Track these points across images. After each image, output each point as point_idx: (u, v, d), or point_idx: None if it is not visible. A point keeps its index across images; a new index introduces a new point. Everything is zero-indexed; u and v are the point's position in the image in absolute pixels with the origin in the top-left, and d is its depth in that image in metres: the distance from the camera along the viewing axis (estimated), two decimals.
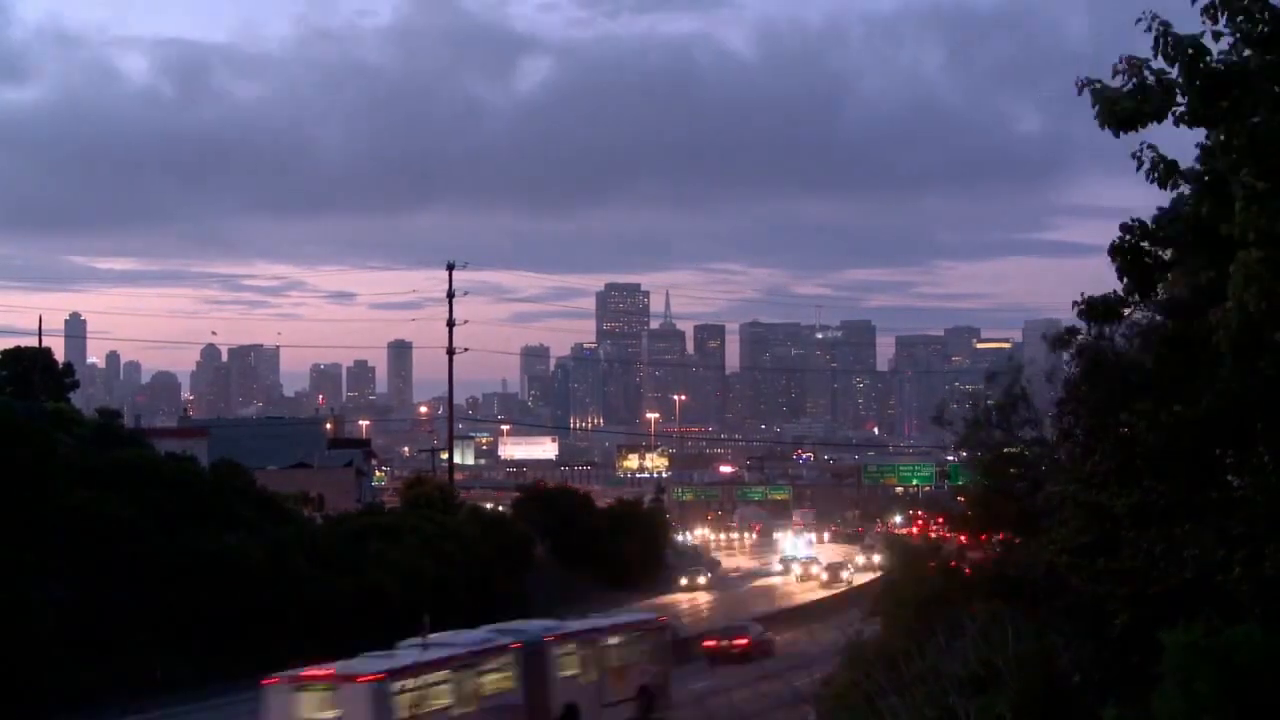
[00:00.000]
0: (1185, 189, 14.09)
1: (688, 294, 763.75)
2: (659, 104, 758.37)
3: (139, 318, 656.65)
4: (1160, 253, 14.40)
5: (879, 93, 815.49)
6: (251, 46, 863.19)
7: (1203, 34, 13.46)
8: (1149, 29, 13.41)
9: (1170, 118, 13.83)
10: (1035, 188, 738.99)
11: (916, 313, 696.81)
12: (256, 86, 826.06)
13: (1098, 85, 13.79)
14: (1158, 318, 17.06)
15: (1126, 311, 16.52)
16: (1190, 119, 13.78)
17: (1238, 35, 13.40)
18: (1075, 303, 15.36)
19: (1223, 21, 13.37)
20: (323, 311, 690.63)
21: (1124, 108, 13.40)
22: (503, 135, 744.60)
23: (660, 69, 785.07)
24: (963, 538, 35.76)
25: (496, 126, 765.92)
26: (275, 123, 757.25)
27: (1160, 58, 13.53)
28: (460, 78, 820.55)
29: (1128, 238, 14.52)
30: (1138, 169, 13.87)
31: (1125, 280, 14.67)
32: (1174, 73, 13.54)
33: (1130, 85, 13.54)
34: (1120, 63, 13.72)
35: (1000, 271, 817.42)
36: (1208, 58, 13.37)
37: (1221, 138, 13.60)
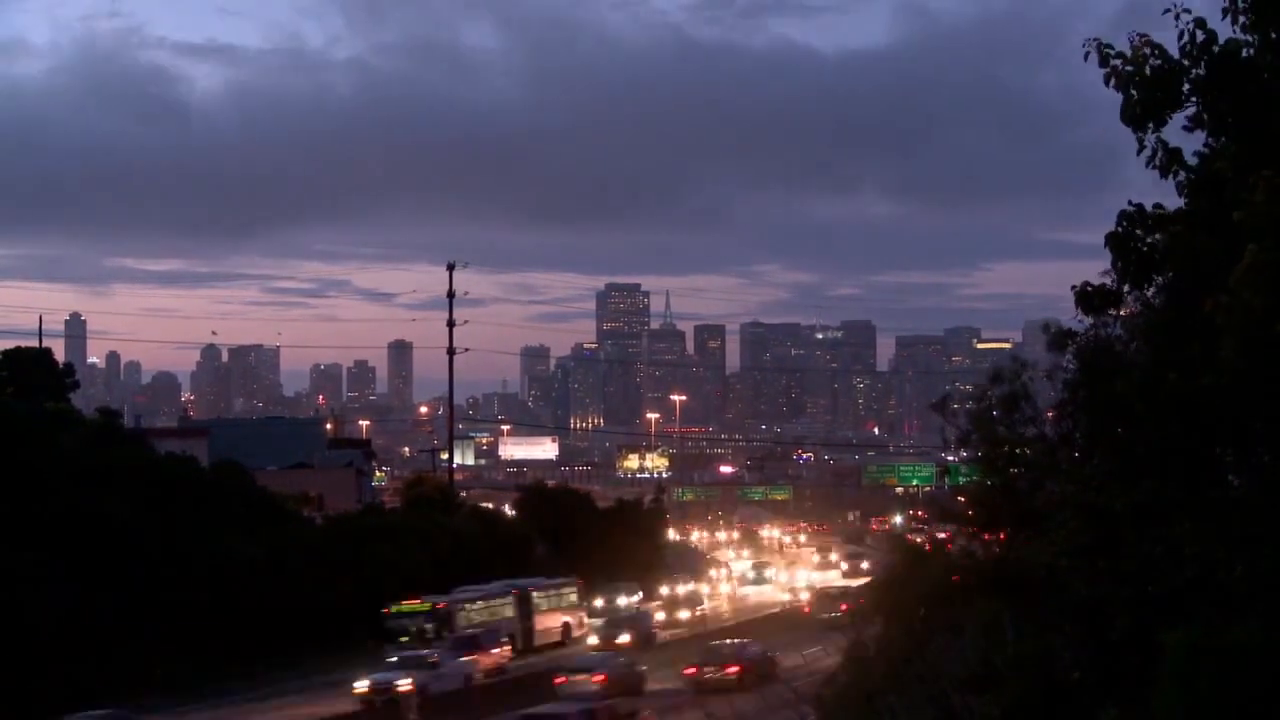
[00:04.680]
0: (1184, 177, 14.07)
1: (720, 297, 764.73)
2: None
3: (169, 320, 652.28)
4: (1157, 240, 14.36)
5: None
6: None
7: (1244, 44, 13.42)
8: (1175, 18, 13.34)
9: (1183, 118, 13.79)
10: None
11: (953, 314, 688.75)
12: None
13: (1110, 49, 13.67)
14: (1155, 303, 16.99)
15: (1123, 307, 16.47)
16: (1211, 122, 13.73)
17: (1256, 36, 13.35)
18: (1072, 287, 15.33)
19: (1240, 22, 13.31)
20: (361, 311, 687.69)
21: (1143, 98, 13.35)
22: (547, 136, 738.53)
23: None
24: (948, 534, 35.75)
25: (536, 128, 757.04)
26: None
27: (1182, 56, 13.48)
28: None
29: (1125, 225, 14.48)
30: (1138, 153, 13.86)
31: (1120, 266, 14.63)
32: (1194, 70, 13.49)
33: (1153, 65, 13.46)
34: (1138, 38, 13.64)
35: (1040, 273, 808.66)
36: (1239, 55, 13.35)
37: (1231, 141, 13.57)
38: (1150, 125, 13.68)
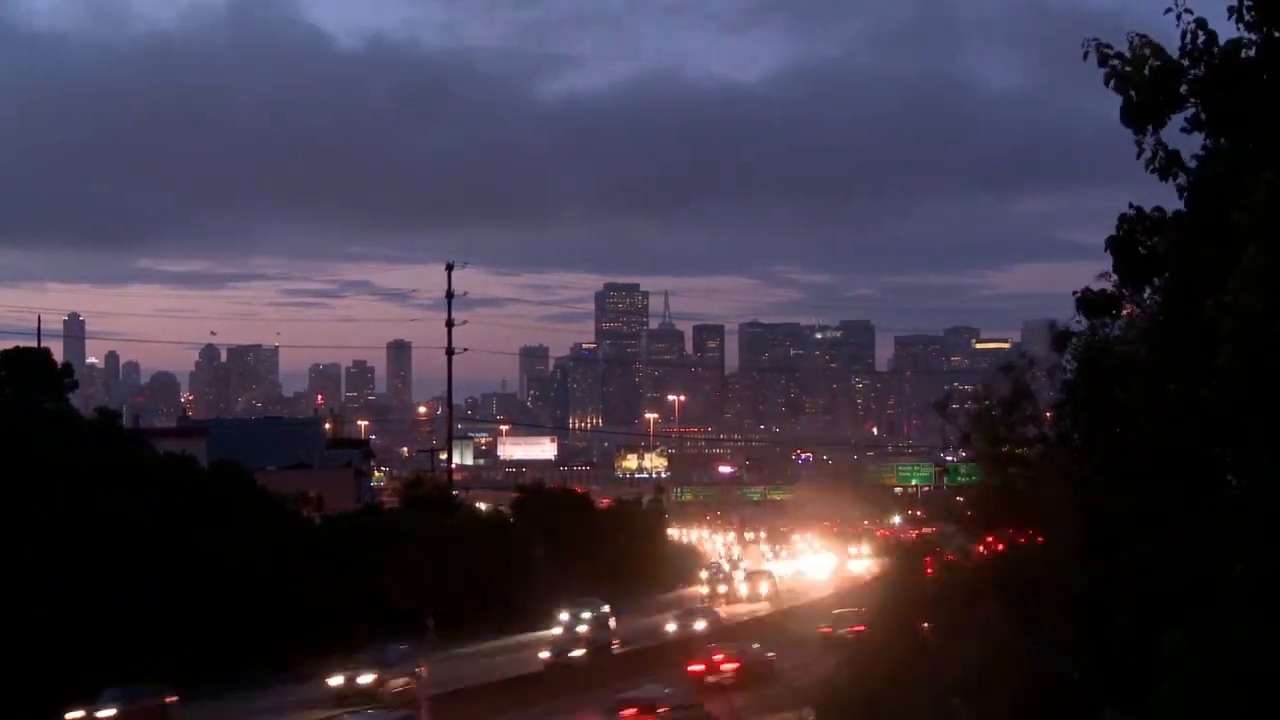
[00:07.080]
0: (1184, 180, 14.04)
1: (737, 299, 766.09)
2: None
3: (182, 320, 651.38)
4: (1156, 244, 14.35)
5: None
6: None
7: (1246, 44, 13.38)
8: (1177, 19, 13.29)
9: (1182, 119, 13.75)
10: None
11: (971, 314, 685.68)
12: None
13: (1109, 49, 13.60)
14: (1155, 302, 16.99)
15: (1123, 309, 16.47)
16: (1212, 121, 13.67)
17: (1258, 35, 13.31)
18: (1074, 293, 15.33)
19: (1245, 20, 13.27)
20: (377, 311, 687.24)
21: (1142, 99, 13.29)
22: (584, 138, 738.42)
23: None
24: (937, 531, 35.71)
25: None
26: None
27: (1183, 56, 13.42)
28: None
29: (1125, 228, 14.47)
30: (1138, 156, 13.82)
31: (1121, 272, 14.63)
32: (1193, 71, 13.45)
33: (1152, 66, 13.39)
34: (1136, 38, 13.58)
35: (1040, 274, 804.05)
36: (1242, 54, 13.31)
37: (1227, 140, 13.53)
38: (1150, 126, 13.65)
